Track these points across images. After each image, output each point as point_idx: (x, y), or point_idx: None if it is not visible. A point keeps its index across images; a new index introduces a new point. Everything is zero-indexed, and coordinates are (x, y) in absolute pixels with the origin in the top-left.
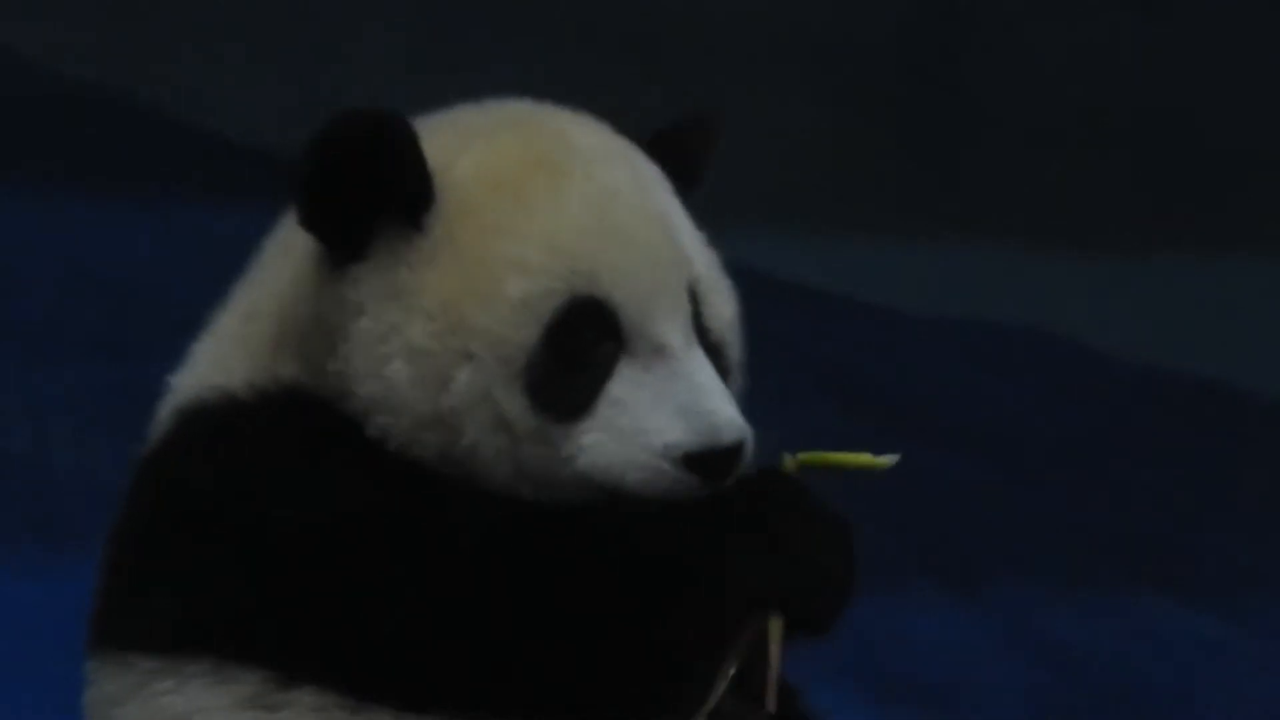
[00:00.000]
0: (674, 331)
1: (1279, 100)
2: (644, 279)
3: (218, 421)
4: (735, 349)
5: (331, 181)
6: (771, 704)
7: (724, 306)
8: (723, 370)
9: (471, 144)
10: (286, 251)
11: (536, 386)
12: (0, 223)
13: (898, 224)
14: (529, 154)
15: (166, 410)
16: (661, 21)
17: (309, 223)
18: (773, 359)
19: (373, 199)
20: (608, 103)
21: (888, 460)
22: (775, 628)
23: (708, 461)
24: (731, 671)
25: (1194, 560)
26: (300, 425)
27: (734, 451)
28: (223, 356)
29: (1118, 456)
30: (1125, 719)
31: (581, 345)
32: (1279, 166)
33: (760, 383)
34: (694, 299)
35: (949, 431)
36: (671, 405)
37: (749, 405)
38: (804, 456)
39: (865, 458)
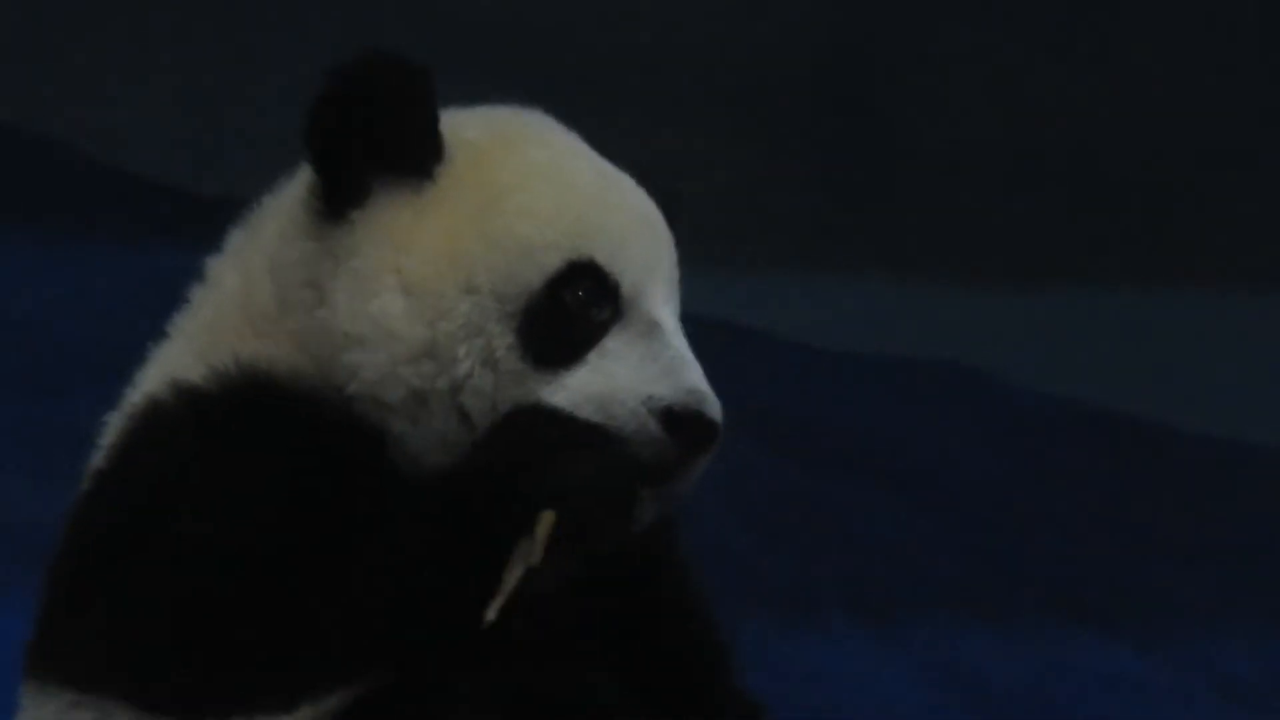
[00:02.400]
0: (668, 313)
1: (1198, 136)
2: (646, 258)
3: (150, 436)
4: None
5: (349, 119)
6: (491, 612)
7: None
8: None
9: (485, 119)
10: (258, 230)
11: (529, 330)
12: None
13: (817, 260)
14: (540, 136)
15: (119, 414)
16: (579, 61)
17: (320, 159)
18: None
19: (387, 141)
20: None
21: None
22: (543, 528)
23: (686, 424)
24: (523, 566)
25: (1112, 594)
26: (236, 427)
27: (713, 425)
28: (183, 349)
29: (1036, 491)
30: None
31: (579, 302)
32: (1199, 201)
33: None
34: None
35: (867, 467)
36: (660, 366)
37: None
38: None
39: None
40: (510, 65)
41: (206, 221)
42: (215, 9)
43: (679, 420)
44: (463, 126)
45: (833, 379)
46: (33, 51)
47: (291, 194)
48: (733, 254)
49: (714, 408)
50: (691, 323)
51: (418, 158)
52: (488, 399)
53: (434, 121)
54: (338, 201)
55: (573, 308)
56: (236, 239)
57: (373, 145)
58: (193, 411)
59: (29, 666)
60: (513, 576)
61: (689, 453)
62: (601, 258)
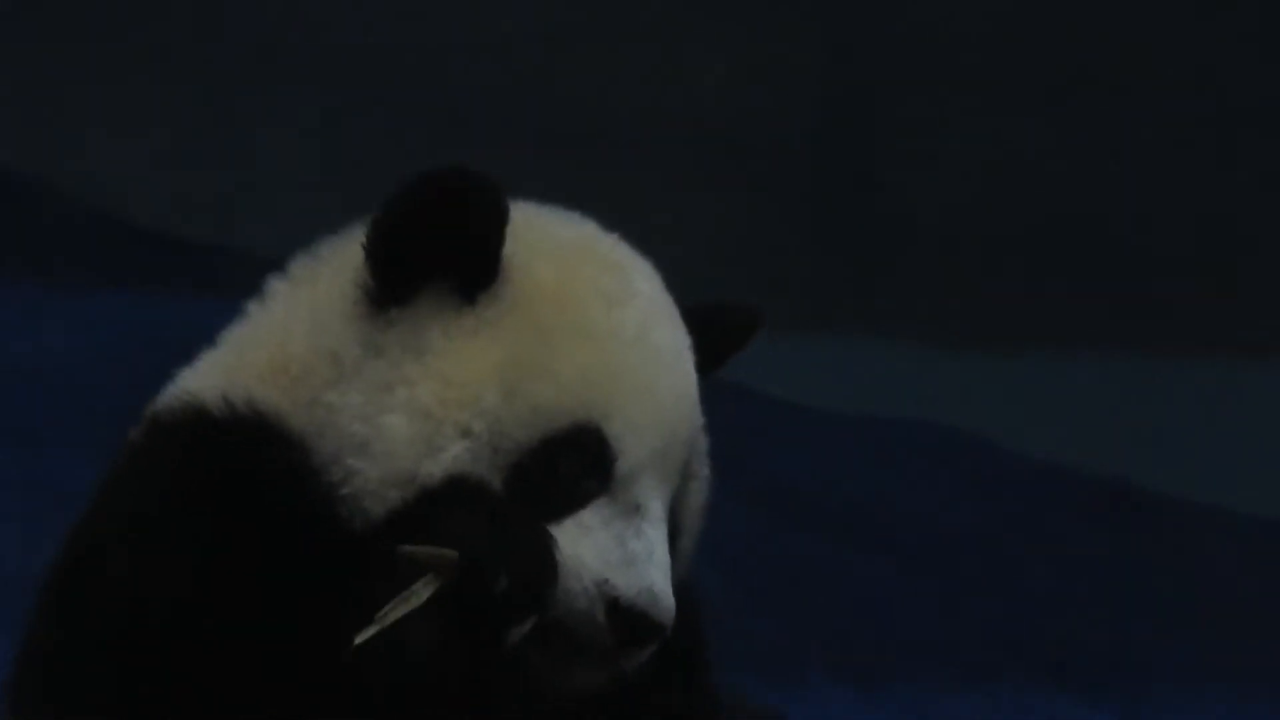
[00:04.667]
0: (656, 501)
1: (1184, 206)
2: (652, 443)
3: (138, 459)
4: (691, 539)
5: (415, 223)
6: (359, 638)
7: (698, 496)
8: (672, 554)
9: (545, 247)
10: (301, 284)
11: (514, 484)
12: None
13: (807, 320)
14: (595, 278)
15: (151, 407)
16: (577, 116)
17: (377, 254)
18: None
19: (443, 256)
20: (522, 195)
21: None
22: (441, 569)
23: (628, 620)
24: (408, 606)
25: (1095, 658)
26: (233, 467)
27: (656, 629)
28: (214, 368)
29: (1020, 553)
30: None
31: (570, 468)
32: (1193, 270)
33: None
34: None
35: (852, 526)
36: (625, 554)
37: None
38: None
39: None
40: (500, 123)
41: (200, 271)
42: (216, 63)
43: (624, 615)
44: (530, 250)
45: (823, 439)
46: (31, 98)
47: (355, 253)
48: None
49: (664, 612)
50: None
51: (468, 280)
52: None
53: (496, 247)
54: (383, 295)
55: (563, 474)
56: (303, 264)
57: (430, 254)
58: (189, 437)
59: (6, 706)
60: (394, 612)
61: (624, 645)
62: (609, 430)
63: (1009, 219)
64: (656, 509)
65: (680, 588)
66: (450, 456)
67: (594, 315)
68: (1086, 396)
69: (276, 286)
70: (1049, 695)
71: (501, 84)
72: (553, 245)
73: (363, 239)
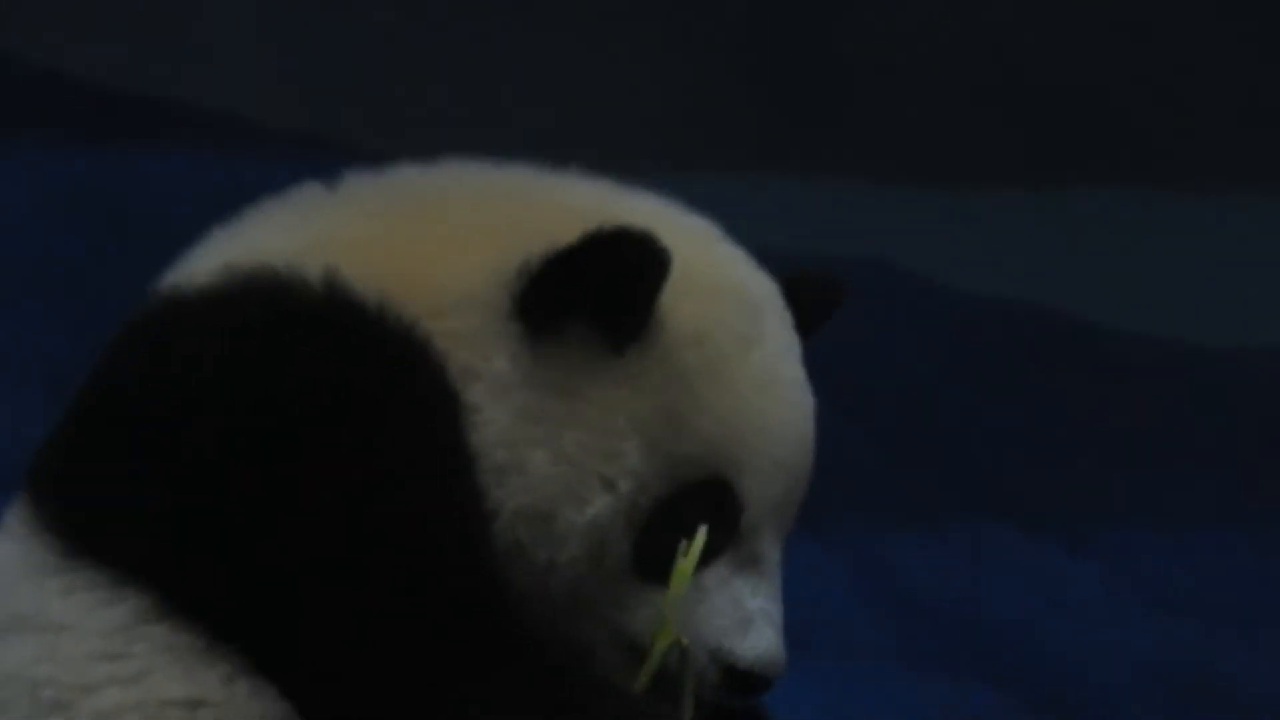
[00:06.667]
0: (774, 549)
1: (1132, 39)
2: (776, 493)
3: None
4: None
5: (580, 275)
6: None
7: None
8: None
9: (685, 285)
10: (430, 216)
11: (645, 542)
12: None
13: (754, 161)
14: (730, 318)
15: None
16: None
17: (534, 290)
18: None
19: (602, 313)
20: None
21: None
22: None
23: (744, 682)
24: None
25: (1041, 495)
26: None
27: (768, 684)
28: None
29: (967, 391)
30: (970, 652)
31: (698, 521)
32: (1136, 101)
33: None
34: None
35: None
36: (741, 616)
37: None
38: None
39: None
40: None
41: (135, 125)
42: None
43: (740, 679)
44: (672, 291)
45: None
46: None
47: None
48: (675, 156)
49: (777, 668)
50: None
51: (619, 335)
52: (573, 592)
53: (650, 310)
54: (533, 324)
55: (691, 526)
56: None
57: (588, 307)
58: (333, 329)
59: (25, 495)
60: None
61: (735, 699)
62: (739, 485)
63: (954, 54)
64: (773, 558)
65: None
66: (593, 511)
67: (730, 361)
68: (1033, 231)
69: (390, 191)
70: (995, 532)
71: None
72: (691, 283)
73: (526, 266)
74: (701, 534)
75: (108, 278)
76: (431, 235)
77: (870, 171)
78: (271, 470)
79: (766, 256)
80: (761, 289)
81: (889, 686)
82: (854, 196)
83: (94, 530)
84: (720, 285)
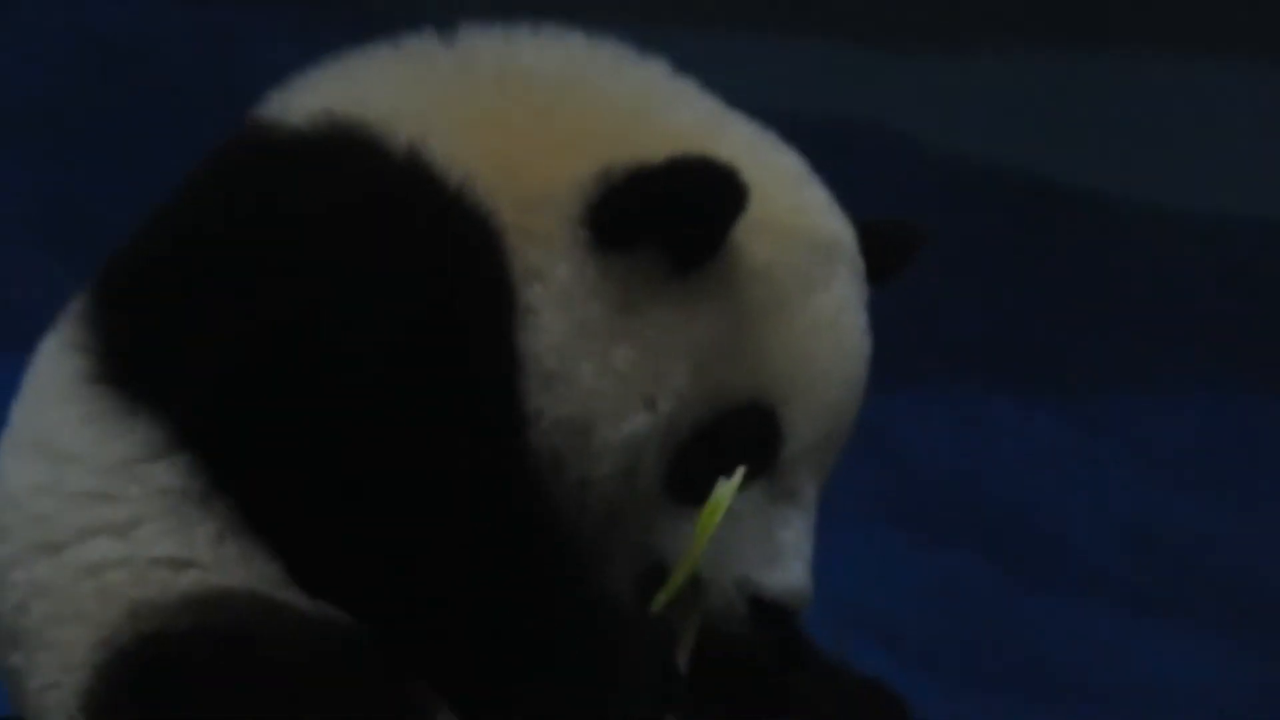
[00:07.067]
0: (813, 487)
1: None
2: (821, 431)
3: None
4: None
5: (658, 196)
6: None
7: None
8: None
9: (762, 221)
10: (527, 101)
11: (680, 463)
12: None
13: (740, 21)
14: (802, 261)
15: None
16: None
17: (609, 205)
18: None
19: (673, 233)
20: None
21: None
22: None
23: (769, 613)
24: None
25: (1030, 358)
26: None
27: (793, 615)
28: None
29: (955, 255)
30: (958, 514)
31: (737, 447)
32: None
33: None
34: None
35: None
36: (771, 548)
37: None
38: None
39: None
40: None
41: None
42: None
43: (766, 610)
44: (747, 226)
45: None
46: None
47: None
48: (658, 13)
49: (803, 599)
50: None
51: (687, 257)
52: (609, 506)
53: (722, 240)
54: (603, 238)
55: (728, 451)
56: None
57: (662, 227)
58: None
59: (90, 296)
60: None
61: (761, 632)
62: (783, 414)
63: None
64: (810, 495)
65: None
66: (629, 429)
67: (791, 301)
68: (1024, 94)
69: (494, 60)
70: (981, 395)
71: None
72: (766, 222)
73: (605, 176)
74: (739, 474)
75: (92, 113)
76: (534, 132)
77: (863, 34)
78: (318, 328)
79: (758, 115)
80: (836, 235)
81: (875, 547)
82: (848, 59)
83: (136, 352)
84: (794, 227)
